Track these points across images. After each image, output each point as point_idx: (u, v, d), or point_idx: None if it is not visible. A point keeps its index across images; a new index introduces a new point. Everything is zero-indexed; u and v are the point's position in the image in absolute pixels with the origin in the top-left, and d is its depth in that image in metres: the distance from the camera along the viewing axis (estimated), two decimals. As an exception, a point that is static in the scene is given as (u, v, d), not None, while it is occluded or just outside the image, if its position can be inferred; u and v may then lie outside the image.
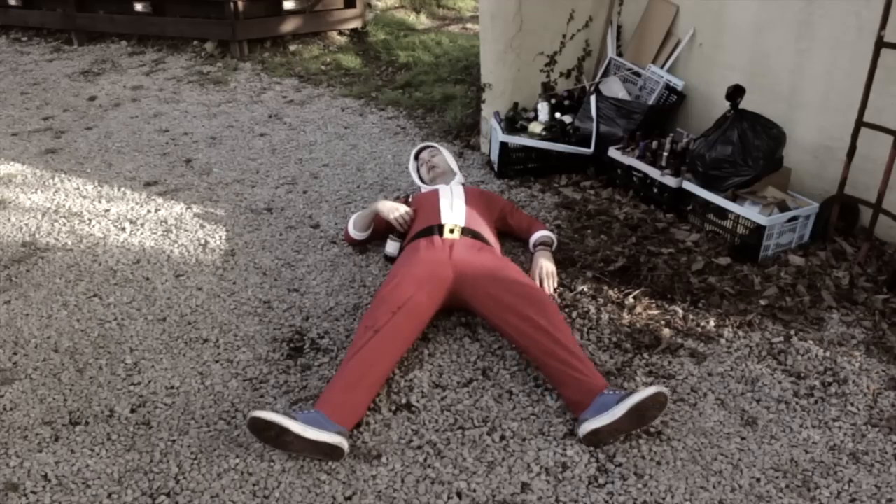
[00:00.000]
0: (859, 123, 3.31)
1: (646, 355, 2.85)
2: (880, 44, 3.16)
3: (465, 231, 3.11)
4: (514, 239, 3.63)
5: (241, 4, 6.62)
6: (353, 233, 3.58)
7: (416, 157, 3.97)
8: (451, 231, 3.09)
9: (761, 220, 3.36)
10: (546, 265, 3.26)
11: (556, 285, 3.24)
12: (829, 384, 2.71)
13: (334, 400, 2.45)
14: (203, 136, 5.10)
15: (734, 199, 3.53)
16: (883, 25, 3.13)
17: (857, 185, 3.44)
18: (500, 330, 2.80)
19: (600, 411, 2.39)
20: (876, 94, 3.24)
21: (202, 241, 3.72)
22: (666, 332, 2.98)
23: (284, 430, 2.29)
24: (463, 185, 3.62)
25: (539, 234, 3.47)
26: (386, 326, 2.62)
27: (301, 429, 2.30)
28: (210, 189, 4.30)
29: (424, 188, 3.69)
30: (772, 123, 3.51)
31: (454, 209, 3.24)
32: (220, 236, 3.77)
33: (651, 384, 2.68)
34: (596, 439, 2.41)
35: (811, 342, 2.92)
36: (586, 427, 2.39)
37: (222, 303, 3.23)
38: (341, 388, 2.48)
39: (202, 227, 3.86)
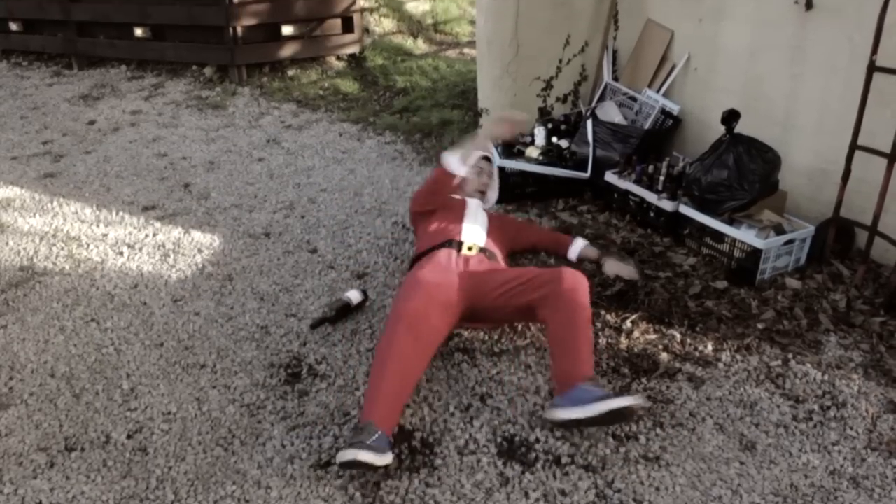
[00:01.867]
0: (853, 147, 3.33)
1: (644, 380, 2.84)
2: (872, 68, 3.19)
3: (482, 250, 3.16)
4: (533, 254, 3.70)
5: (240, 30, 6.67)
6: (456, 167, 3.27)
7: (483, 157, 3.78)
8: (470, 248, 3.12)
9: (758, 243, 3.37)
10: (622, 269, 3.42)
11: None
12: (828, 408, 2.71)
13: (384, 413, 2.45)
14: (201, 161, 5.12)
15: (731, 222, 3.54)
16: (875, 50, 3.16)
17: (853, 208, 3.46)
18: (512, 314, 2.90)
19: (577, 403, 2.42)
20: (869, 118, 3.26)
21: (200, 266, 3.72)
22: (664, 356, 2.97)
23: (373, 467, 2.33)
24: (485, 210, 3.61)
25: (580, 247, 3.58)
26: (422, 335, 2.66)
27: (383, 460, 2.34)
28: (208, 213, 4.30)
29: (458, 195, 3.61)
30: (767, 147, 3.53)
31: (476, 231, 3.26)
32: (218, 261, 3.77)
33: (650, 410, 2.68)
34: (563, 426, 2.52)
35: (809, 365, 2.92)
36: (560, 414, 2.45)
37: (220, 328, 3.22)
38: (390, 401, 2.49)
39: (200, 251, 3.87)
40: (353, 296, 3.31)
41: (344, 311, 3.25)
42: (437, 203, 3.40)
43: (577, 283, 2.74)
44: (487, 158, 3.79)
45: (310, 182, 4.75)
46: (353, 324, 3.23)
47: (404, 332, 2.62)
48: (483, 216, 3.45)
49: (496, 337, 3.10)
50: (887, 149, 3.18)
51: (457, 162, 3.27)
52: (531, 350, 3.02)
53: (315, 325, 3.20)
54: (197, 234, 4.05)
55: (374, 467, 2.33)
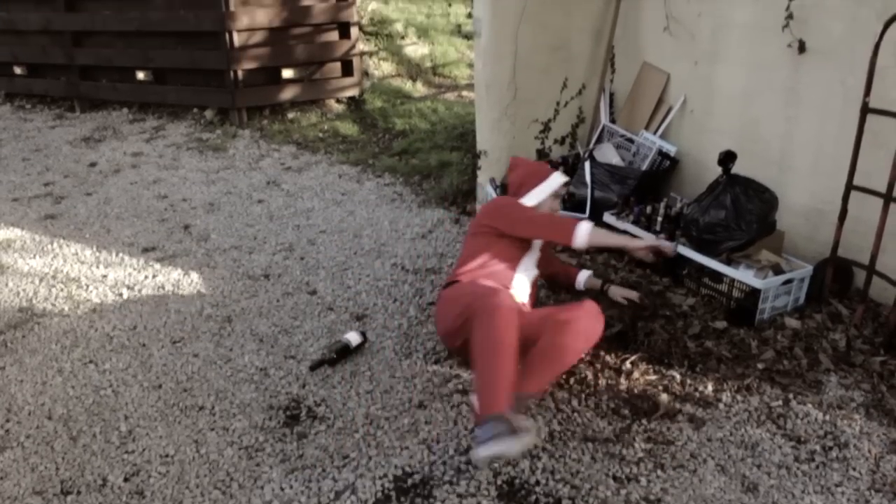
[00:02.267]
0: (849, 187, 3.35)
1: (644, 421, 2.83)
2: (866, 109, 3.23)
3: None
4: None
5: (240, 73, 6.74)
6: (580, 241, 3.08)
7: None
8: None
9: (756, 283, 3.37)
10: (628, 293, 3.42)
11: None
12: (830, 448, 2.69)
13: (505, 401, 2.51)
14: (201, 203, 5.15)
15: (729, 262, 3.55)
16: (867, 92, 3.20)
17: (850, 248, 3.47)
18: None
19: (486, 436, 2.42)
20: (864, 158, 3.29)
21: (199, 308, 3.72)
22: (664, 397, 2.96)
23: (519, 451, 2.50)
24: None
25: (585, 277, 3.56)
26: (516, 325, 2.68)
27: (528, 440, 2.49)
28: (208, 255, 4.32)
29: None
30: (763, 187, 3.55)
31: (523, 285, 3.23)
32: (218, 303, 3.77)
33: (650, 450, 2.66)
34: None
35: (810, 405, 2.91)
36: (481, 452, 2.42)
37: (218, 370, 3.21)
38: (508, 389, 2.55)
39: (199, 293, 3.87)
40: (353, 337, 3.31)
41: (343, 353, 3.25)
42: (523, 237, 3.23)
43: (576, 318, 2.78)
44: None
45: (309, 224, 4.77)
46: (353, 365, 3.22)
47: (504, 325, 2.64)
48: (534, 273, 3.33)
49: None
50: (883, 188, 3.20)
51: (584, 238, 3.06)
52: (531, 391, 3.01)
53: (314, 367, 3.19)
54: (196, 276, 4.05)
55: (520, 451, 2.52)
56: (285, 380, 3.14)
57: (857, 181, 3.33)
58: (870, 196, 3.28)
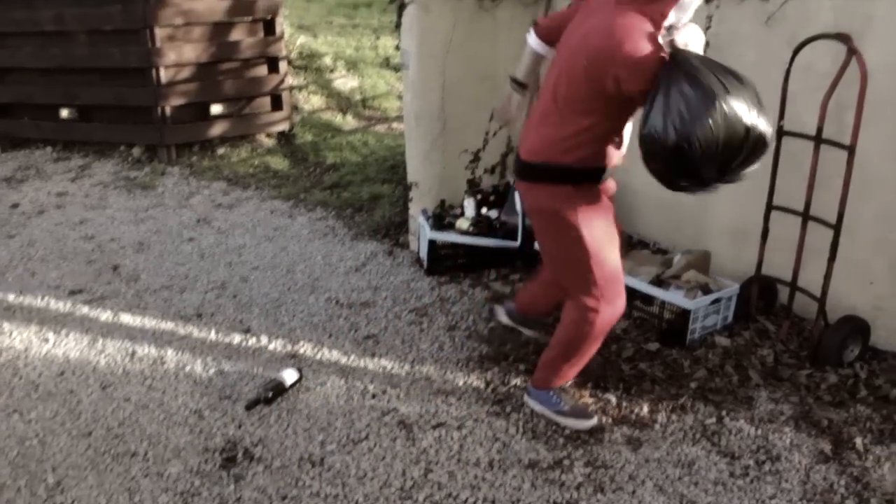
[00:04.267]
0: (769, 207, 3.48)
1: (582, 445, 2.86)
2: (781, 132, 3.36)
3: None
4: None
5: (168, 109, 6.65)
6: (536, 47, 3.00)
7: None
8: None
9: (686, 304, 3.45)
10: None
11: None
12: (763, 462, 2.76)
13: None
14: (130, 242, 5.04)
15: (659, 284, 3.63)
16: (781, 116, 3.34)
17: (773, 265, 3.59)
18: None
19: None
20: (783, 179, 3.42)
21: (130, 350, 3.63)
22: (601, 419, 3.00)
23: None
24: None
25: None
26: None
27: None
28: (138, 296, 4.22)
29: None
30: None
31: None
32: (149, 344, 3.69)
33: (589, 475, 2.69)
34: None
35: (742, 421, 2.99)
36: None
37: (151, 413, 3.14)
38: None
39: (130, 335, 3.78)
40: (288, 375, 3.27)
41: (279, 391, 3.20)
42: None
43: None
44: None
45: (241, 261, 4.71)
46: (289, 403, 3.18)
47: (600, 336, 2.87)
48: None
49: (433, 410, 3.09)
50: (801, 207, 3.34)
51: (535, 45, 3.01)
52: (469, 422, 3.02)
53: (250, 407, 3.14)
54: (126, 318, 3.96)
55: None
56: (221, 421, 3.08)
57: (777, 201, 3.46)
58: (790, 215, 3.40)
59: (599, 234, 2.75)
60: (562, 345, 2.89)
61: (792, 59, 3.27)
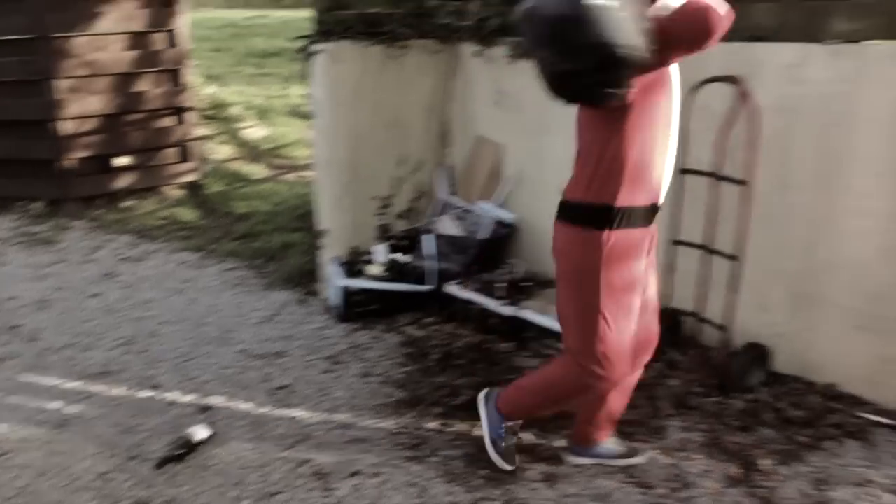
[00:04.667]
0: (673, 241, 3.63)
1: (500, 485, 2.87)
2: (683, 171, 3.50)
3: None
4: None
5: (70, 162, 6.48)
6: None
7: None
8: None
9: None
10: None
11: None
12: (677, 490, 2.83)
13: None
14: (30, 300, 4.85)
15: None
16: (682, 154, 3.48)
17: (680, 298, 3.71)
18: None
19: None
20: (686, 215, 3.58)
21: (29, 415, 3.47)
22: (517, 458, 3.02)
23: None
24: None
25: None
26: None
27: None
28: (38, 356, 4.05)
29: None
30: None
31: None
32: (51, 407, 3.54)
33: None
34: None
35: (656, 451, 3.05)
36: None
37: (52, 480, 3.00)
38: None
39: (30, 398, 3.62)
40: (199, 431, 3.19)
41: (190, 448, 3.12)
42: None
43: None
44: None
45: (149, 315, 4.59)
46: (201, 459, 3.10)
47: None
48: None
49: (349, 458, 3.06)
50: (702, 241, 3.49)
51: None
52: (386, 468, 2.99)
53: (160, 465, 3.04)
54: (26, 380, 3.80)
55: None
56: (129, 482, 2.97)
57: (682, 236, 3.60)
58: (693, 249, 3.55)
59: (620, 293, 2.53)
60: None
61: (690, 99, 3.43)
